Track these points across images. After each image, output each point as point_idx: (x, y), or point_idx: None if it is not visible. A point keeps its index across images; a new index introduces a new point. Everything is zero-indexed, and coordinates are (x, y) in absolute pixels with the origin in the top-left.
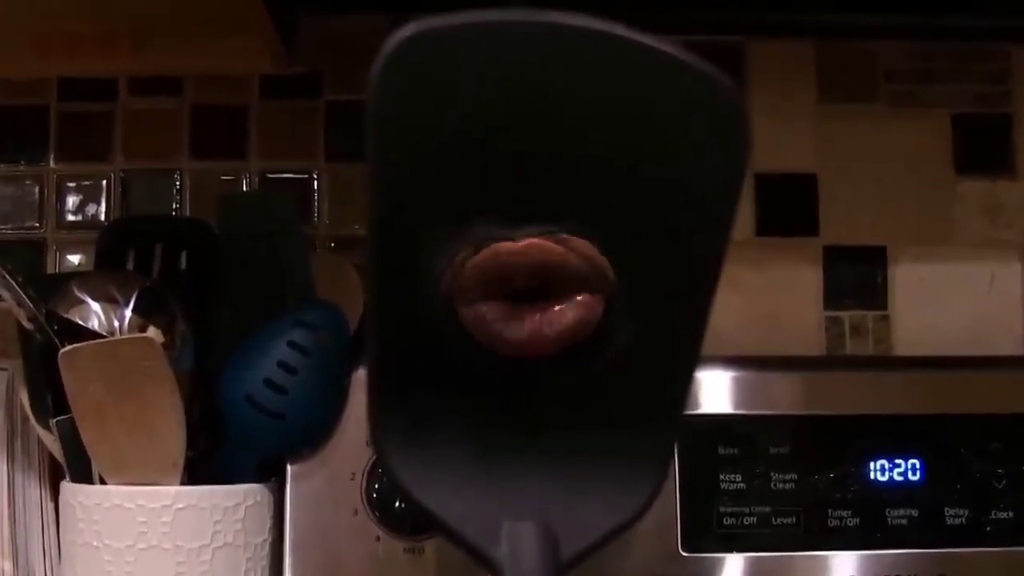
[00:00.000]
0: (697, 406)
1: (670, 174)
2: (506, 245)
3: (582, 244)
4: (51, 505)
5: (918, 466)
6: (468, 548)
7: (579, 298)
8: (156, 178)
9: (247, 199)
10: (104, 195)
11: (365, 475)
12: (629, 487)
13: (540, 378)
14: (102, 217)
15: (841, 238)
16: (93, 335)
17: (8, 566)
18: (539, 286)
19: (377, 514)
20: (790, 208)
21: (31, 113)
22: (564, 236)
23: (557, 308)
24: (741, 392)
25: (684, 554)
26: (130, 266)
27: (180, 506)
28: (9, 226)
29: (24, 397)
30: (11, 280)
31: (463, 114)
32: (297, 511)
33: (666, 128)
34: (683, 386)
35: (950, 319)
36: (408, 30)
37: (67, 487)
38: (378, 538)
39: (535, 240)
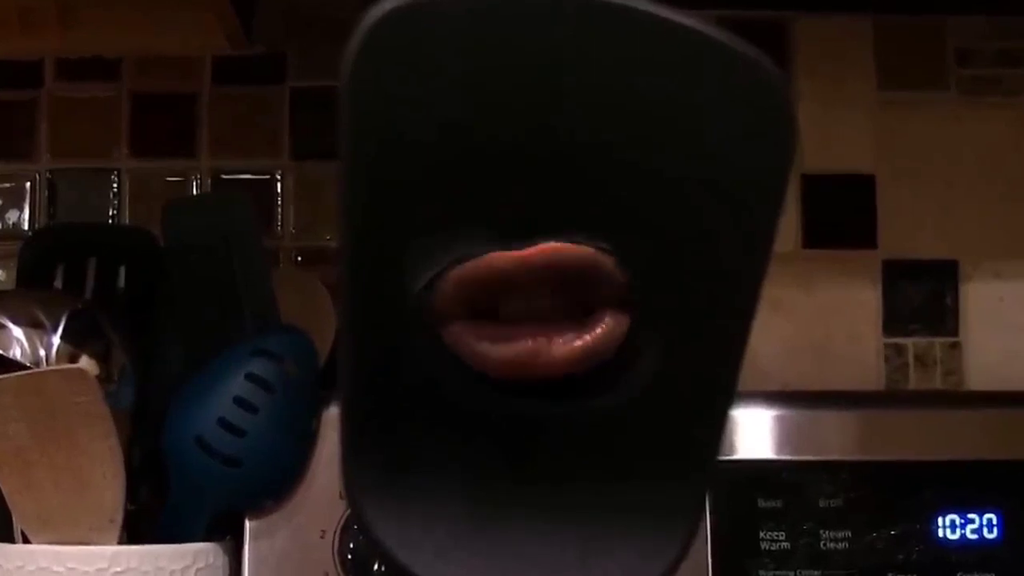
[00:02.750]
0: (733, 451)
1: (698, 174)
2: (502, 254)
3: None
4: None
5: (995, 521)
6: None
7: (607, 316)
8: (89, 179)
9: (197, 204)
10: (28, 199)
11: (338, 532)
12: (651, 548)
13: (546, 417)
14: (25, 226)
15: (904, 250)
16: (15, 366)
17: None
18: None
19: None
20: (843, 215)
21: None
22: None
23: (570, 330)
24: (785, 434)
25: None
26: (59, 284)
27: (118, 569)
28: None
29: None
30: None
31: (454, 102)
32: (257, 575)
33: (693, 120)
34: (716, 427)
35: None
36: (390, 3)
37: None
38: None
39: (552, 244)
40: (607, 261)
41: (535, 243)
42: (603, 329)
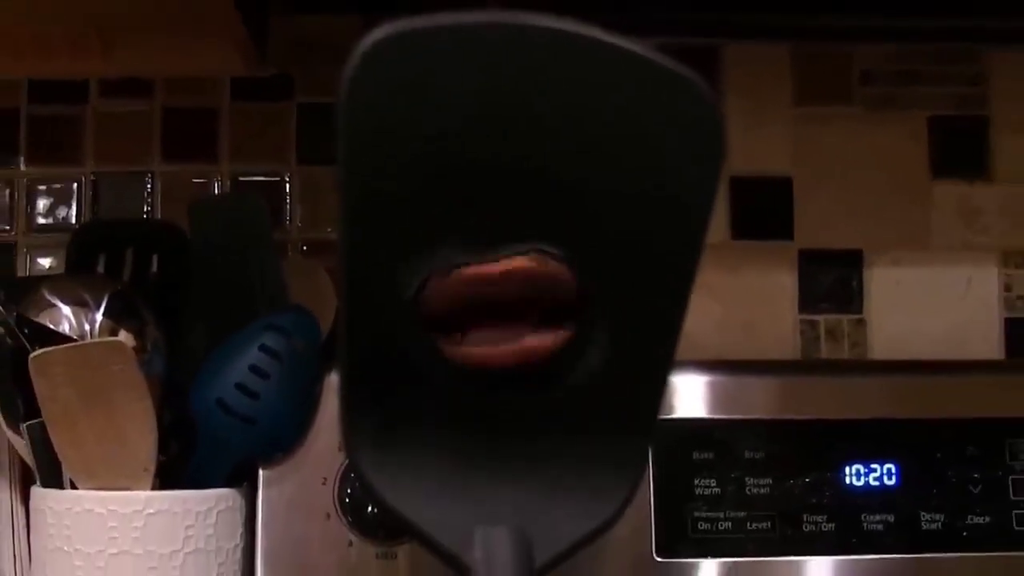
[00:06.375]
0: (672, 411)
1: (645, 185)
2: (475, 270)
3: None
4: (22, 509)
5: (894, 471)
6: (441, 553)
7: (555, 330)
8: (127, 181)
9: (219, 203)
10: (75, 198)
11: (337, 480)
12: (603, 493)
13: (512, 392)
14: (72, 220)
15: (817, 241)
16: (63, 339)
17: None
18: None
19: (349, 519)
20: (765, 211)
21: (1, 116)
22: (543, 254)
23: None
24: (716, 397)
25: (658, 559)
26: (101, 270)
27: (151, 511)
28: None
29: None
30: None
31: (439, 121)
32: (269, 516)
33: (643, 135)
34: (656, 396)
35: (926, 323)
36: (382, 31)
37: (37, 492)
38: (350, 543)
39: (518, 262)
40: (563, 274)
41: (503, 251)
42: (542, 339)
